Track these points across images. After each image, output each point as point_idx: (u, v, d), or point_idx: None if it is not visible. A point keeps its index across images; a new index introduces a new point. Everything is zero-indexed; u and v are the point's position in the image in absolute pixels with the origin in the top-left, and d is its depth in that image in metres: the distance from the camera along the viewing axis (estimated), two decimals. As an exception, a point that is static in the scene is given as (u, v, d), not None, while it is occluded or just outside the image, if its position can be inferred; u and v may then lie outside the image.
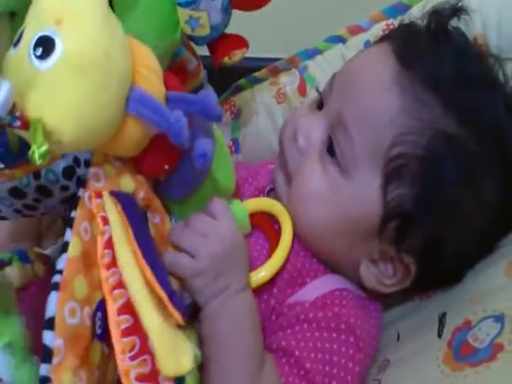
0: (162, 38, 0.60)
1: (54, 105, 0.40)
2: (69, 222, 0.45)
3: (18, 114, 0.39)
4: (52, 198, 0.53)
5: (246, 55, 0.75)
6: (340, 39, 0.81)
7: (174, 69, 0.64)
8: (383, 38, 0.65)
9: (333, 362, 0.54)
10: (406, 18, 0.71)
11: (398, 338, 0.61)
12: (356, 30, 0.79)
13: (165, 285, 0.45)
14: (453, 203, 0.54)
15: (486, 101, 0.55)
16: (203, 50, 0.71)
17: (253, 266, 0.57)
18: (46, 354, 0.41)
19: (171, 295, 0.45)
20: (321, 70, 0.80)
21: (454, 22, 0.61)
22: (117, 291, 0.45)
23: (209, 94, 0.48)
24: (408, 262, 0.57)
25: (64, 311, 0.42)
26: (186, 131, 0.44)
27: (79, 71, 0.40)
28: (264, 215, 0.60)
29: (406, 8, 0.76)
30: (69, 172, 0.51)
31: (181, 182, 0.52)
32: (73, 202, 0.47)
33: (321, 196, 0.58)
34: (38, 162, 0.39)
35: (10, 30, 0.48)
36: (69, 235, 0.45)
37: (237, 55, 0.66)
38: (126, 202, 0.48)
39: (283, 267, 0.58)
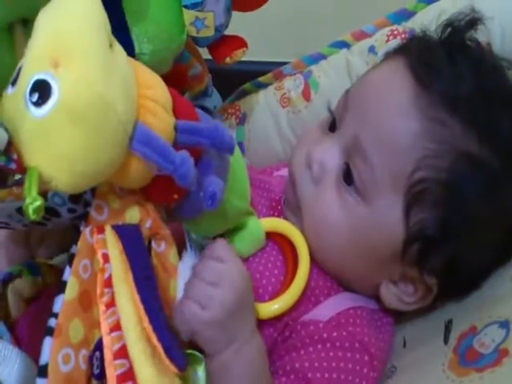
0: (171, 41, 0.60)
1: (47, 155, 0.39)
2: (69, 259, 0.44)
3: (14, 157, 0.38)
4: (60, 218, 0.51)
5: (251, 59, 0.76)
6: (344, 44, 0.81)
7: (174, 73, 0.63)
8: (397, 52, 0.63)
9: (348, 381, 0.53)
10: (418, 28, 0.69)
11: (405, 345, 0.61)
12: (360, 36, 0.80)
13: (162, 336, 0.43)
14: (476, 222, 0.54)
15: (505, 115, 0.55)
16: (206, 54, 0.72)
17: (266, 281, 0.57)
18: None
19: (169, 347, 0.42)
20: (325, 74, 0.80)
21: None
22: (115, 333, 0.44)
23: (218, 124, 0.46)
24: (431, 283, 0.56)
25: (57, 359, 0.41)
26: (192, 173, 0.43)
27: (74, 119, 0.38)
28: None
29: (411, 14, 0.76)
30: (75, 197, 0.49)
31: (192, 206, 0.50)
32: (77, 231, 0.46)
33: (341, 226, 0.57)
34: (32, 217, 0.37)
35: (25, 39, 0.45)
36: (67, 274, 0.44)
37: (237, 55, 0.66)
38: (128, 237, 0.46)
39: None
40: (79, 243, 0.45)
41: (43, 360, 0.41)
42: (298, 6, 0.98)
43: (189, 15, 0.59)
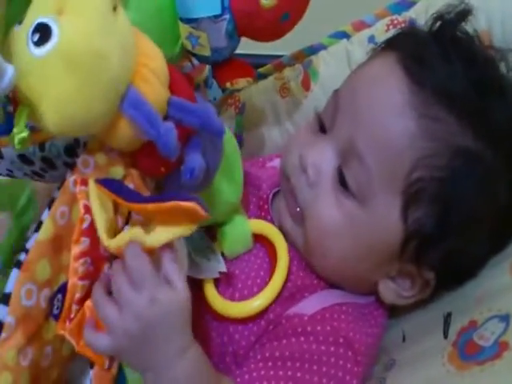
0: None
1: (43, 91, 0.41)
2: (49, 202, 0.47)
3: (10, 94, 0.40)
4: (57, 171, 0.54)
5: (252, 52, 0.75)
6: (344, 35, 0.80)
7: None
8: (387, 47, 0.62)
9: (329, 375, 0.53)
10: (406, 21, 0.70)
11: (404, 339, 0.61)
12: (360, 26, 0.79)
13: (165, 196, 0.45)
14: (472, 217, 0.54)
15: (498, 109, 0.55)
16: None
17: (252, 282, 0.57)
18: None
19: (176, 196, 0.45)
20: (325, 64, 0.80)
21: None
22: (82, 282, 0.47)
23: (210, 108, 0.47)
24: (428, 277, 0.57)
25: (20, 292, 0.44)
26: (174, 144, 0.43)
27: (68, 65, 0.41)
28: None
29: (411, 4, 0.76)
30: (70, 150, 0.52)
31: (177, 182, 0.50)
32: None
33: (339, 231, 0.57)
34: (17, 146, 0.40)
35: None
36: (45, 215, 0.46)
37: (240, 83, 0.63)
38: (111, 185, 0.48)
39: (283, 287, 0.57)
40: (61, 190, 0.47)
41: (8, 288, 0.44)
42: None
43: (184, 29, 0.58)
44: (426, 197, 0.53)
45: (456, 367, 0.52)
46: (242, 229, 0.57)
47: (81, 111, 0.42)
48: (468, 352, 0.52)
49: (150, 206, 0.45)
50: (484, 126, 0.54)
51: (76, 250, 0.47)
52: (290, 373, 0.53)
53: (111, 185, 0.48)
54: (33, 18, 0.41)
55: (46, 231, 0.45)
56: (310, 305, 0.57)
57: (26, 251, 0.45)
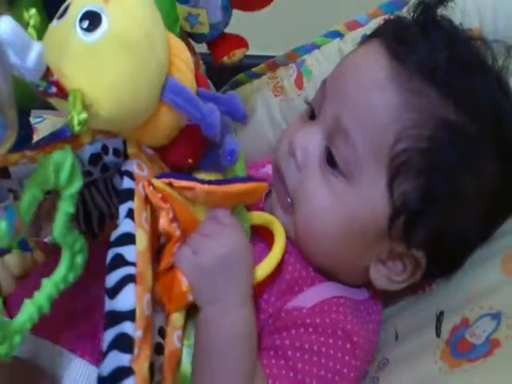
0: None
1: (95, 76, 0.41)
2: (127, 213, 0.46)
3: (54, 79, 0.39)
4: None
5: (246, 53, 0.75)
6: (337, 34, 0.81)
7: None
8: (372, 35, 0.64)
9: (328, 367, 0.53)
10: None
11: (397, 337, 0.61)
12: (353, 25, 0.80)
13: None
14: (458, 190, 0.54)
15: (481, 82, 0.55)
16: (202, 48, 0.71)
17: None
18: (125, 345, 0.41)
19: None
20: (318, 62, 0.81)
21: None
22: None
23: (234, 95, 0.49)
24: (418, 256, 0.57)
25: (143, 303, 0.43)
26: (218, 124, 0.45)
27: (123, 48, 0.41)
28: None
29: (403, 4, 0.76)
30: (95, 159, 0.51)
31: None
32: (118, 194, 0.48)
33: (329, 211, 0.57)
34: (77, 128, 0.39)
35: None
36: (130, 226, 0.45)
37: (236, 55, 0.66)
38: (178, 175, 0.49)
39: (281, 278, 0.57)
40: (136, 199, 0.46)
41: (128, 305, 0.42)
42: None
43: (182, 10, 0.59)
44: (411, 169, 0.54)
45: (448, 365, 0.52)
46: (241, 219, 0.57)
47: (132, 97, 0.42)
48: (460, 349, 0.52)
49: (229, 188, 0.48)
50: (467, 100, 0.54)
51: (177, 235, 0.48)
52: (290, 363, 0.53)
53: (180, 176, 0.49)
54: (78, 7, 0.41)
55: (141, 241, 0.45)
56: (309, 297, 0.58)
57: (132, 264, 0.44)
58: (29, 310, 0.43)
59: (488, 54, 0.59)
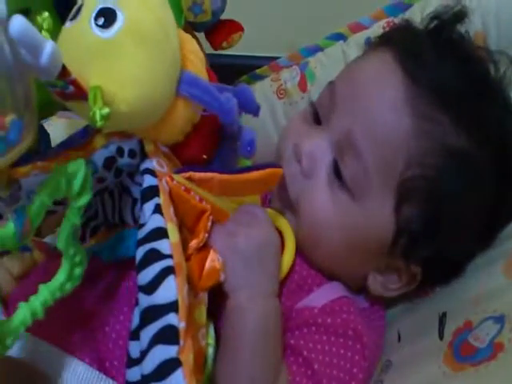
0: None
1: (115, 71, 0.41)
2: (154, 209, 0.46)
3: (71, 78, 0.39)
4: None
5: (249, 54, 0.75)
6: (341, 36, 0.81)
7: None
8: (383, 42, 0.63)
9: (339, 366, 0.54)
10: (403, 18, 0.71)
11: (399, 339, 0.61)
12: (357, 28, 0.79)
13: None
14: (462, 215, 0.55)
15: (491, 107, 0.56)
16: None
17: None
18: (171, 337, 0.41)
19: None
20: (321, 65, 0.80)
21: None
22: None
23: (246, 87, 0.50)
24: (415, 271, 0.57)
25: (184, 294, 0.43)
26: (236, 110, 0.45)
27: (140, 40, 0.41)
28: None
29: (407, 7, 0.76)
30: (110, 162, 0.51)
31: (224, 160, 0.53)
32: (143, 193, 0.48)
33: (333, 224, 0.57)
34: (100, 123, 0.39)
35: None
36: (159, 221, 0.46)
37: (234, 39, 0.67)
38: (196, 168, 0.50)
39: (290, 278, 0.57)
40: (161, 194, 0.47)
41: (170, 297, 0.43)
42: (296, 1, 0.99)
43: (186, 0, 0.58)
44: (418, 195, 0.54)
45: (451, 369, 0.52)
46: None
47: (152, 88, 0.42)
48: (463, 353, 0.52)
49: (247, 176, 0.48)
50: (477, 126, 0.54)
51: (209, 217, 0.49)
52: (307, 362, 0.53)
53: (197, 169, 0.49)
54: (92, 6, 0.42)
55: (174, 234, 0.46)
56: (319, 297, 0.58)
57: (169, 256, 0.44)
58: (23, 314, 0.42)
59: (493, 67, 0.59)
